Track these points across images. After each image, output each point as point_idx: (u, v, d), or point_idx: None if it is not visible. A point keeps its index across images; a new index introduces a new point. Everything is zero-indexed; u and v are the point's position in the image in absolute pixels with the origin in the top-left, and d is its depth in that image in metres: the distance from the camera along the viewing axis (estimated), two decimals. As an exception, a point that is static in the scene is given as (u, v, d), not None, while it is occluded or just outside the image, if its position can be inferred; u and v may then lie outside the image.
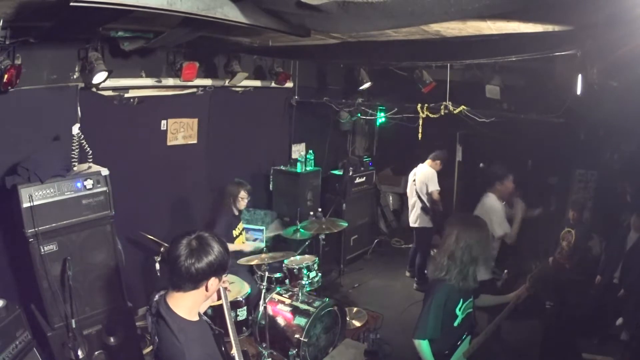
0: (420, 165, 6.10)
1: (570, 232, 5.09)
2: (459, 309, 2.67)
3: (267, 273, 4.13)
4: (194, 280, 1.82)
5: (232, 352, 2.17)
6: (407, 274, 6.35)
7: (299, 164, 6.13)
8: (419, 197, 5.96)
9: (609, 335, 4.62)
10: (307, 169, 6.18)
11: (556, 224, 5.75)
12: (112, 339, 3.66)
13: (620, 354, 4.09)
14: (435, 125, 5.42)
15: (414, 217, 6.06)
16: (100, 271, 3.61)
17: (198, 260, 1.80)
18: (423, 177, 5.99)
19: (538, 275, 3.19)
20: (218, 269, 1.85)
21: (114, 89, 4.24)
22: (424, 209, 5.95)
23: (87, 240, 3.51)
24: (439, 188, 5.91)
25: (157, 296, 1.93)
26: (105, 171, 3.60)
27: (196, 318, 1.95)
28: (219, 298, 2.24)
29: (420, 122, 5.36)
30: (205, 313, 2.26)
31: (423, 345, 2.59)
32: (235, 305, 4.01)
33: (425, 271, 6.22)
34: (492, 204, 4.35)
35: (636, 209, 4.64)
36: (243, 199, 4.62)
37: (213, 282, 1.86)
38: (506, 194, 4.43)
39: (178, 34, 3.41)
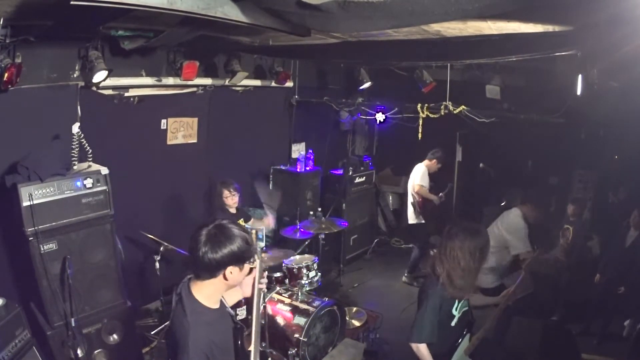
0: (417, 164, 6.14)
1: (569, 228, 5.10)
2: (456, 309, 2.67)
3: (266, 273, 4.12)
4: (209, 270, 1.84)
5: (249, 349, 2.16)
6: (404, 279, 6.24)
7: (298, 164, 6.12)
8: (411, 193, 6.06)
9: (609, 335, 4.62)
10: (307, 168, 6.18)
11: (556, 224, 5.76)
12: (111, 338, 3.66)
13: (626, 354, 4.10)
14: (435, 125, 5.42)
15: (408, 214, 6.17)
16: (100, 270, 3.61)
17: (212, 250, 1.79)
18: (414, 173, 6.08)
19: (532, 264, 3.19)
20: (235, 259, 1.83)
21: (114, 87, 4.23)
22: (412, 204, 6.04)
23: (86, 239, 3.51)
24: (420, 183, 5.91)
25: (185, 278, 1.96)
26: (105, 170, 3.60)
27: (215, 306, 1.95)
28: (252, 294, 2.26)
29: (420, 122, 5.37)
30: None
31: (421, 349, 2.58)
32: (235, 304, 4.00)
33: (423, 271, 6.28)
34: (516, 220, 4.36)
35: (635, 207, 4.64)
36: (227, 198, 4.49)
37: (232, 270, 1.84)
38: (533, 219, 4.49)
39: (178, 33, 3.41)
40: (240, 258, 1.85)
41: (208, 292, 1.91)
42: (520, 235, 4.26)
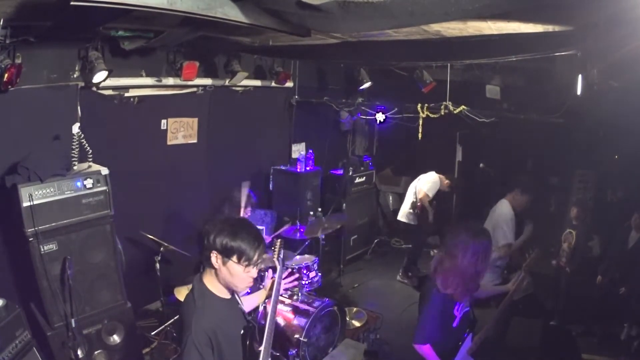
0: (430, 172, 6.25)
1: (572, 233, 5.05)
2: (457, 310, 2.68)
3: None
4: (203, 249, 1.94)
5: (259, 349, 2.17)
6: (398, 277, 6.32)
7: (299, 164, 6.12)
8: (415, 193, 6.16)
9: (609, 335, 4.62)
10: (307, 168, 6.18)
11: (556, 224, 5.75)
12: (111, 339, 3.66)
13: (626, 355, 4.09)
14: (435, 125, 5.42)
15: (401, 210, 6.38)
16: (100, 271, 3.61)
17: (206, 230, 1.92)
18: (425, 179, 6.19)
19: (533, 263, 3.18)
20: (218, 248, 1.90)
21: (114, 88, 4.24)
22: (413, 203, 6.18)
23: (87, 239, 3.51)
24: (427, 192, 6.04)
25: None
26: (105, 170, 3.60)
27: (225, 296, 2.02)
28: (269, 296, 2.38)
29: (420, 122, 5.37)
30: None
31: (425, 350, 2.59)
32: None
33: (425, 271, 6.34)
34: (505, 211, 4.34)
35: (635, 208, 4.64)
36: (248, 212, 4.60)
37: (217, 258, 1.91)
38: (520, 207, 4.42)
39: (178, 34, 3.41)
40: (224, 250, 1.89)
41: (214, 281, 1.97)
42: (506, 226, 4.25)
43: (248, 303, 2.37)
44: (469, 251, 2.52)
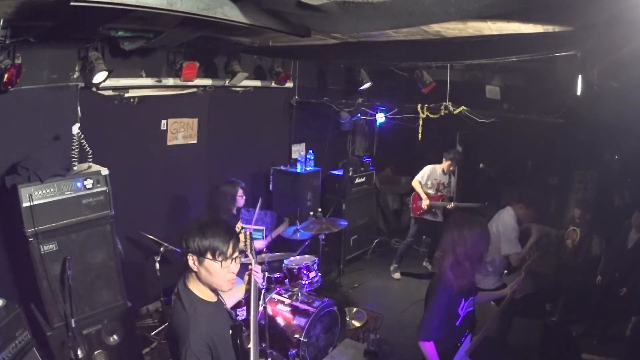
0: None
1: (576, 230, 5.07)
2: (461, 308, 2.68)
3: (266, 273, 4.12)
4: (182, 252, 1.92)
5: (248, 346, 2.16)
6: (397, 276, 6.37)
7: (299, 164, 6.12)
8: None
9: (609, 335, 4.62)
10: (307, 169, 6.18)
11: (556, 224, 5.75)
12: (111, 339, 3.66)
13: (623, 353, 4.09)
14: (435, 126, 5.43)
15: None
16: (100, 271, 3.61)
17: (184, 231, 1.91)
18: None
19: (532, 265, 3.20)
20: (192, 250, 1.89)
21: (114, 88, 4.23)
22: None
23: (86, 239, 3.51)
24: (417, 177, 6.11)
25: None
26: (105, 171, 3.60)
27: (212, 299, 2.00)
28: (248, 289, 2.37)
29: (421, 122, 5.37)
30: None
31: (428, 347, 2.59)
32: (235, 305, 4.00)
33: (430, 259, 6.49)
34: (507, 220, 4.30)
35: (636, 208, 4.64)
36: (242, 197, 4.58)
37: (194, 260, 1.89)
38: (525, 218, 4.39)
39: (178, 34, 3.41)
40: (197, 250, 1.88)
41: (198, 285, 1.95)
42: (509, 236, 4.20)
43: (230, 299, 2.34)
44: (469, 238, 2.59)
